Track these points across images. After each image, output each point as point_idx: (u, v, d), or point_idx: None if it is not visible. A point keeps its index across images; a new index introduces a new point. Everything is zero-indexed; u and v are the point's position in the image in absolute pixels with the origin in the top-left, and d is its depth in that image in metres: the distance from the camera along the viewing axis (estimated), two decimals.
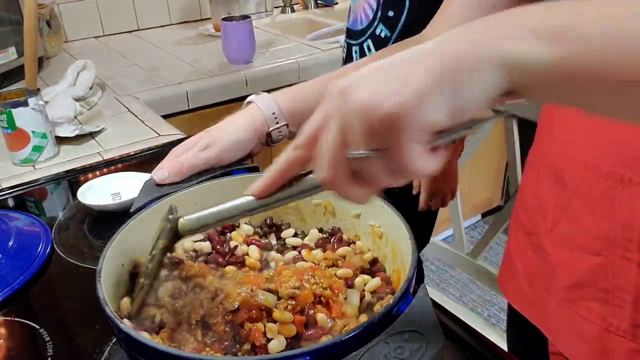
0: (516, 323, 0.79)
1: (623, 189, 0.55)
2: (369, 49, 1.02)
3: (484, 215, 2.52)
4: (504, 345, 1.11)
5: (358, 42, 1.04)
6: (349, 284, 0.54)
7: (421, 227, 1.15)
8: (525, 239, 0.71)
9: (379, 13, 0.98)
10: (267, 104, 0.69)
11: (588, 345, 0.62)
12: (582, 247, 0.61)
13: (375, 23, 0.99)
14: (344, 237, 0.62)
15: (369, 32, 1.01)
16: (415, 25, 0.89)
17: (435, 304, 0.45)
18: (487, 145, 2.16)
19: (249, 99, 0.71)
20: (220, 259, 0.58)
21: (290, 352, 0.43)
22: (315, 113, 0.38)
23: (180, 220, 0.49)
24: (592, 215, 0.59)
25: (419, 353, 0.39)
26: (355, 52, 1.06)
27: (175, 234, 0.50)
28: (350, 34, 1.07)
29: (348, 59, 1.10)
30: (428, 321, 0.41)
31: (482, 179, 2.30)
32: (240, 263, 0.58)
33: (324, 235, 0.63)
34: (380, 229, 0.59)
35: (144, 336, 0.45)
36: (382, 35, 0.99)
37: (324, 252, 0.59)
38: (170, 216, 0.49)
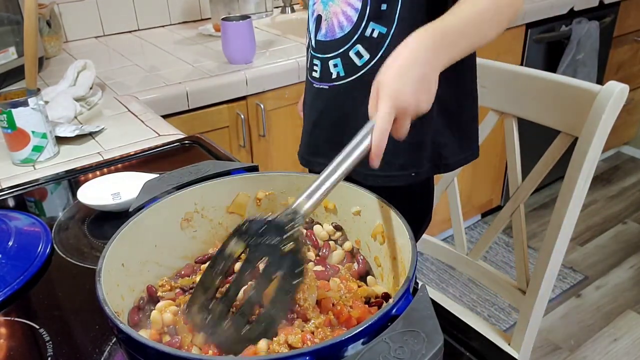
0: None
1: None
2: (360, 56, 0.89)
3: (484, 215, 2.52)
4: (504, 345, 1.12)
5: (339, 52, 0.91)
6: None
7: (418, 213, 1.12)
8: None
9: (368, 11, 0.86)
10: None
11: None
12: None
13: (364, 23, 0.87)
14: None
15: (357, 36, 0.88)
16: (416, 14, 0.83)
17: (435, 304, 0.45)
18: (487, 146, 2.15)
19: None
20: None
21: (290, 352, 0.43)
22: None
23: (304, 212, 0.52)
24: None
25: (419, 353, 0.39)
26: (336, 65, 0.92)
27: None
28: (322, 47, 0.93)
29: (316, 73, 0.96)
30: (428, 321, 0.41)
31: (482, 179, 2.30)
32: None
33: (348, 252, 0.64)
34: (382, 227, 0.59)
35: (144, 335, 0.45)
36: (376, 34, 0.87)
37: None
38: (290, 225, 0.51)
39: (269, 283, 0.49)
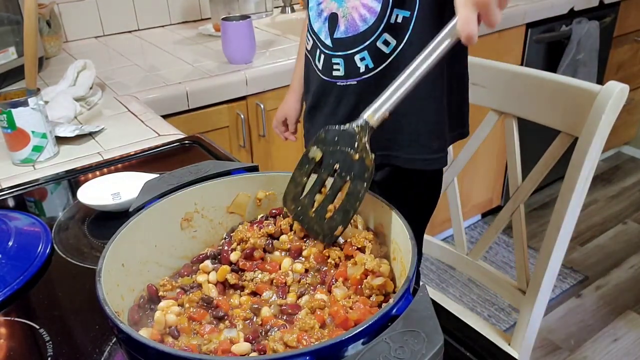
0: None
1: None
2: (387, 44, 0.89)
3: (484, 215, 2.52)
4: (504, 345, 1.12)
5: (365, 45, 0.91)
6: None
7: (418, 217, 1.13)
8: None
9: None
10: None
11: None
12: None
13: (388, 12, 0.87)
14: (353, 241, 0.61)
15: (382, 25, 0.88)
16: None
17: (435, 304, 0.45)
18: (487, 145, 2.16)
19: None
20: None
21: (290, 352, 0.43)
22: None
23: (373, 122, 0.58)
24: None
25: (419, 353, 0.39)
26: (363, 58, 0.92)
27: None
28: (343, 44, 0.93)
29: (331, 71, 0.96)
30: (428, 321, 0.41)
31: (482, 179, 2.30)
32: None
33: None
34: (382, 227, 0.59)
35: (144, 335, 0.45)
36: (400, 19, 0.88)
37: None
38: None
39: (342, 183, 0.58)
